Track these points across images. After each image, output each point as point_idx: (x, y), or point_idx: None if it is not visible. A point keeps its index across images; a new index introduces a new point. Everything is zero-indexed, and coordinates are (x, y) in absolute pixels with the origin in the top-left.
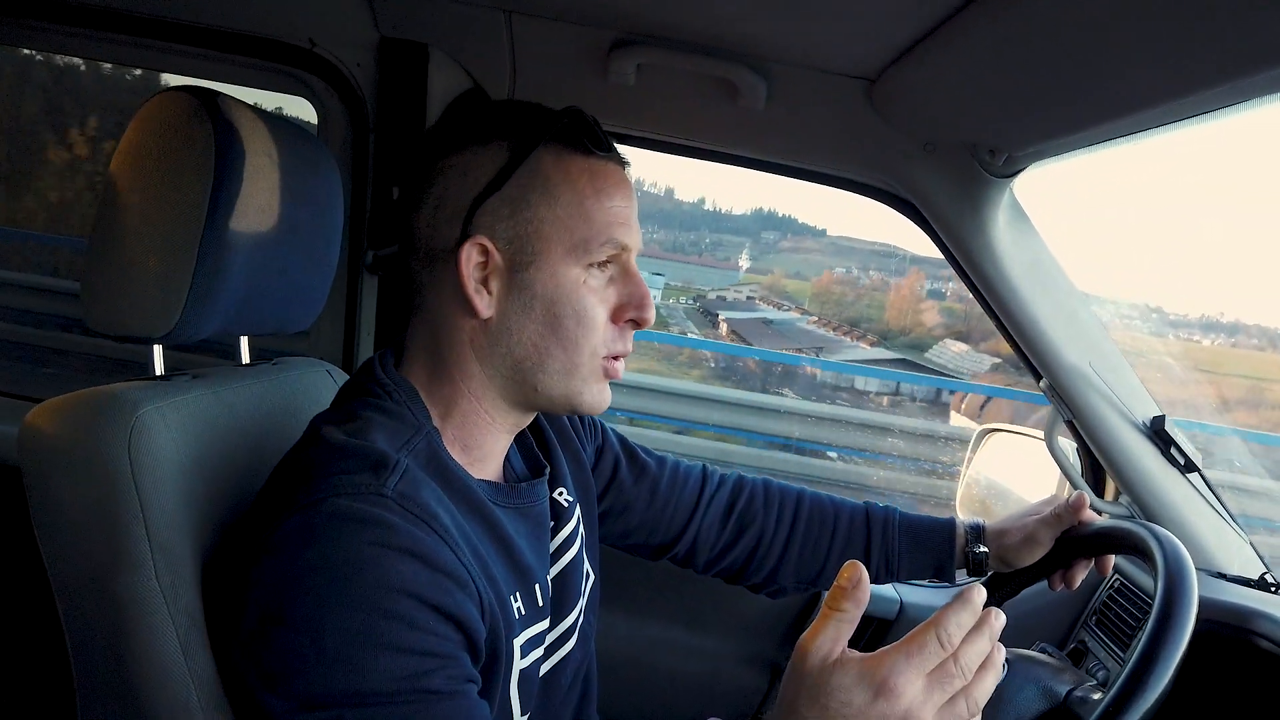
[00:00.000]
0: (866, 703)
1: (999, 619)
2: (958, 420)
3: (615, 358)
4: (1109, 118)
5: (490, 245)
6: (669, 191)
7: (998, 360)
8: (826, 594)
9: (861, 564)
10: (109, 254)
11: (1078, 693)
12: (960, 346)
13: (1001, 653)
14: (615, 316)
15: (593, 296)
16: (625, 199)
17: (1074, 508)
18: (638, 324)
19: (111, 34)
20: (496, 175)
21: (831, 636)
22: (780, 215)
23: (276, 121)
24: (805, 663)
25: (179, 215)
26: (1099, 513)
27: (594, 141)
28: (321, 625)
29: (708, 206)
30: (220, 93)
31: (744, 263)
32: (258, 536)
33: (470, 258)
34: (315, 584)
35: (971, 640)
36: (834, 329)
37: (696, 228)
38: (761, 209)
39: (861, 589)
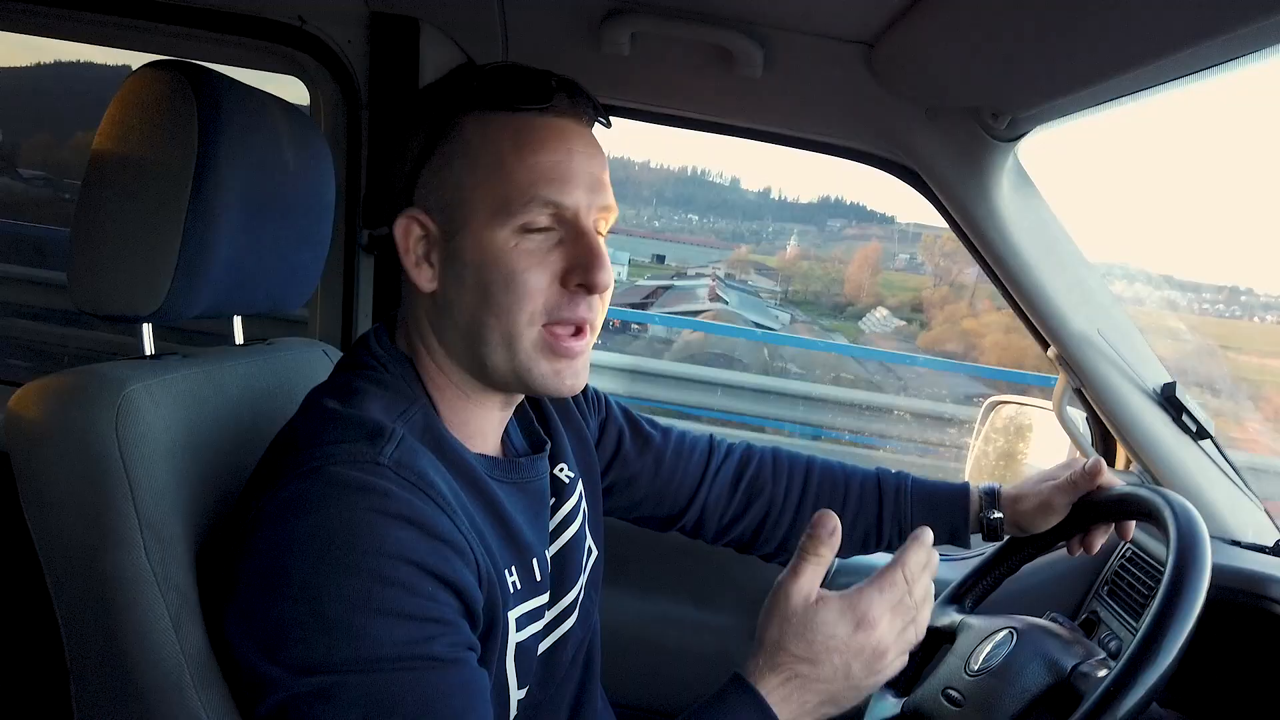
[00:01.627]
0: (849, 634)
1: (935, 555)
2: None
3: (566, 327)
4: (1113, 73)
5: (424, 217)
6: (734, 181)
7: (901, 323)
8: (800, 540)
9: (834, 512)
10: (94, 232)
11: (1083, 667)
12: (883, 312)
13: (932, 588)
14: (564, 280)
15: (525, 260)
16: (558, 152)
17: (1090, 473)
18: (588, 288)
19: (98, 14)
20: (424, 146)
21: (810, 579)
22: (848, 203)
23: (262, 97)
24: (789, 603)
25: (163, 192)
26: None
27: (521, 97)
28: (320, 592)
29: (773, 196)
30: (204, 67)
31: (792, 249)
32: (253, 506)
33: (408, 232)
34: (312, 551)
35: (922, 575)
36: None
37: (760, 216)
38: (829, 197)
39: (836, 536)
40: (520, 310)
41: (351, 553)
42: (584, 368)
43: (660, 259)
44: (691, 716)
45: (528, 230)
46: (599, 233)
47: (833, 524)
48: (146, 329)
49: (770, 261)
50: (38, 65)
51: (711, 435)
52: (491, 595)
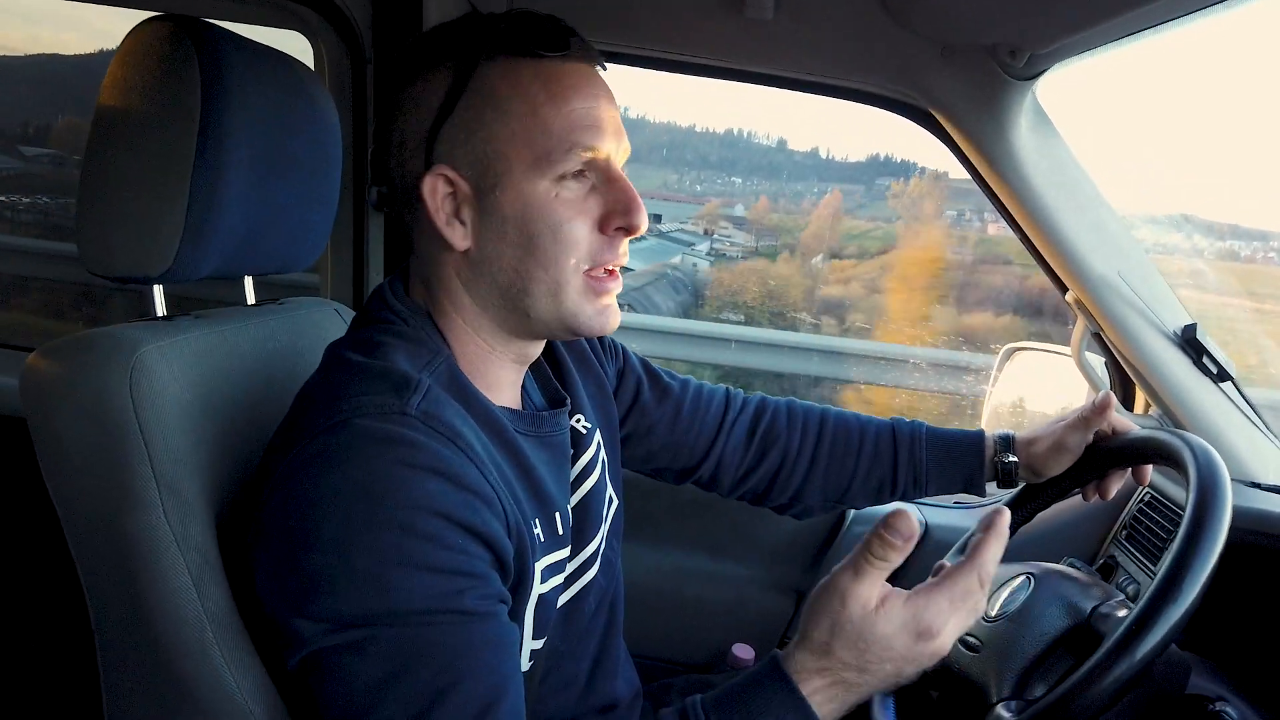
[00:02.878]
0: (908, 645)
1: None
2: None
3: (608, 271)
4: (1132, 5)
5: (453, 174)
6: (781, 142)
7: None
8: (867, 535)
9: (913, 516)
10: (100, 193)
11: (1103, 609)
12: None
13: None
14: (602, 226)
15: (567, 209)
16: (589, 98)
17: (1100, 408)
18: (628, 231)
19: None
20: (445, 100)
21: (871, 586)
22: (898, 161)
23: (265, 51)
24: (845, 608)
25: (168, 150)
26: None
27: (543, 43)
28: (350, 546)
29: (821, 155)
30: (204, 21)
31: (762, 201)
32: (279, 462)
33: (436, 190)
34: (342, 505)
35: (995, 563)
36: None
37: (805, 178)
38: (878, 155)
39: (911, 542)
40: (567, 259)
41: (381, 506)
42: (616, 305)
43: (657, 218)
44: (726, 698)
45: (564, 178)
46: None
47: (911, 529)
48: (158, 290)
49: (745, 214)
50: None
51: (728, 388)
52: (520, 545)
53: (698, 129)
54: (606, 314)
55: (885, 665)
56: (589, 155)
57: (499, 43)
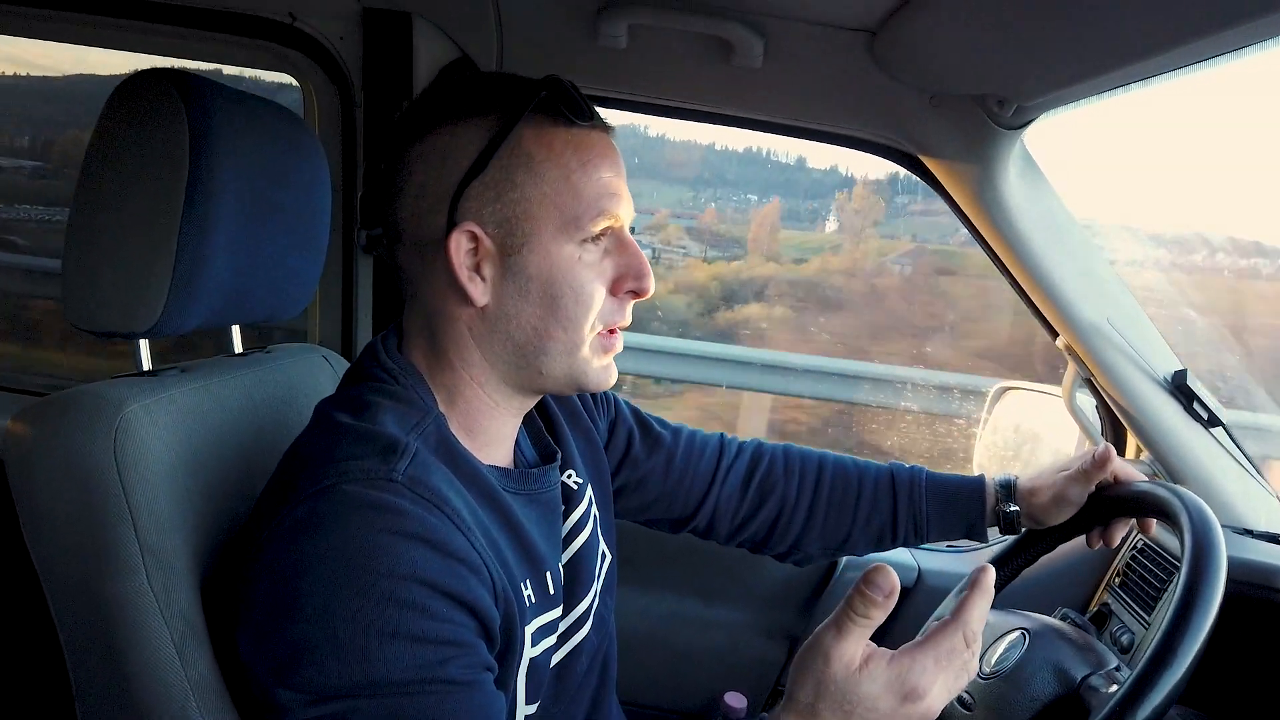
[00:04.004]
0: (893, 707)
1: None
2: None
3: (613, 332)
4: (1123, 62)
5: (479, 231)
6: (800, 160)
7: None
8: (849, 594)
9: (893, 570)
10: (87, 246)
11: (1092, 680)
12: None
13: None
14: (614, 289)
15: (589, 272)
16: (613, 168)
17: (1099, 463)
18: (637, 294)
19: (85, 15)
20: (478, 157)
21: (854, 643)
22: (916, 180)
23: (254, 101)
24: (829, 667)
25: (155, 203)
26: None
27: (576, 111)
28: (333, 615)
29: (841, 172)
30: (193, 73)
31: (709, 211)
32: (264, 526)
33: (460, 246)
34: (326, 573)
35: (981, 621)
36: None
37: (822, 195)
38: (898, 173)
39: (892, 599)
40: (586, 320)
41: (365, 574)
42: (614, 363)
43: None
44: None
45: (586, 242)
46: None
47: (891, 584)
48: (143, 345)
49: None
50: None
51: (722, 435)
52: (508, 611)
53: (717, 147)
54: (610, 371)
55: None
56: (610, 222)
57: (536, 105)
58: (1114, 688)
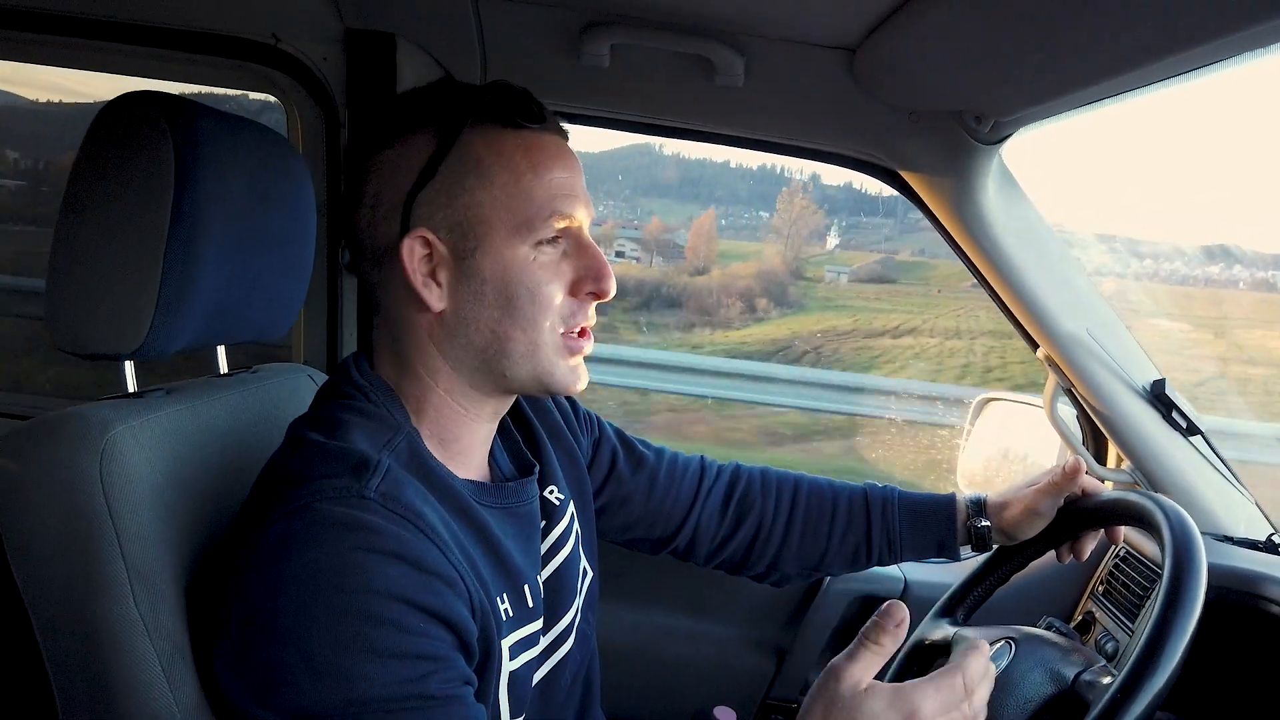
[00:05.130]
0: None
1: (992, 668)
2: None
3: (580, 334)
4: (1097, 79)
5: (431, 237)
6: (814, 177)
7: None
8: (865, 625)
9: (904, 605)
10: (71, 269)
11: (1086, 676)
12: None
13: (987, 695)
14: (574, 291)
15: (545, 273)
16: (566, 169)
17: (1069, 474)
18: (597, 296)
19: (68, 38)
20: (427, 164)
21: (864, 667)
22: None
23: (239, 123)
24: (840, 685)
25: (141, 225)
26: (1101, 480)
27: (524, 115)
28: (309, 635)
29: (856, 187)
30: (177, 96)
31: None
32: (240, 547)
33: (413, 252)
34: (300, 593)
35: (982, 683)
36: None
37: (838, 212)
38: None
39: (902, 629)
40: (544, 320)
41: (340, 593)
42: (584, 365)
43: None
44: None
45: (541, 244)
46: None
47: (901, 615)
48: (129, 366)
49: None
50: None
51: (702, 456)
52: (485, 625)
53: (731, 165)
54: (577, 372)
55: None
56: (565, 223)
57: (483, 111)
58: (1108, 679)
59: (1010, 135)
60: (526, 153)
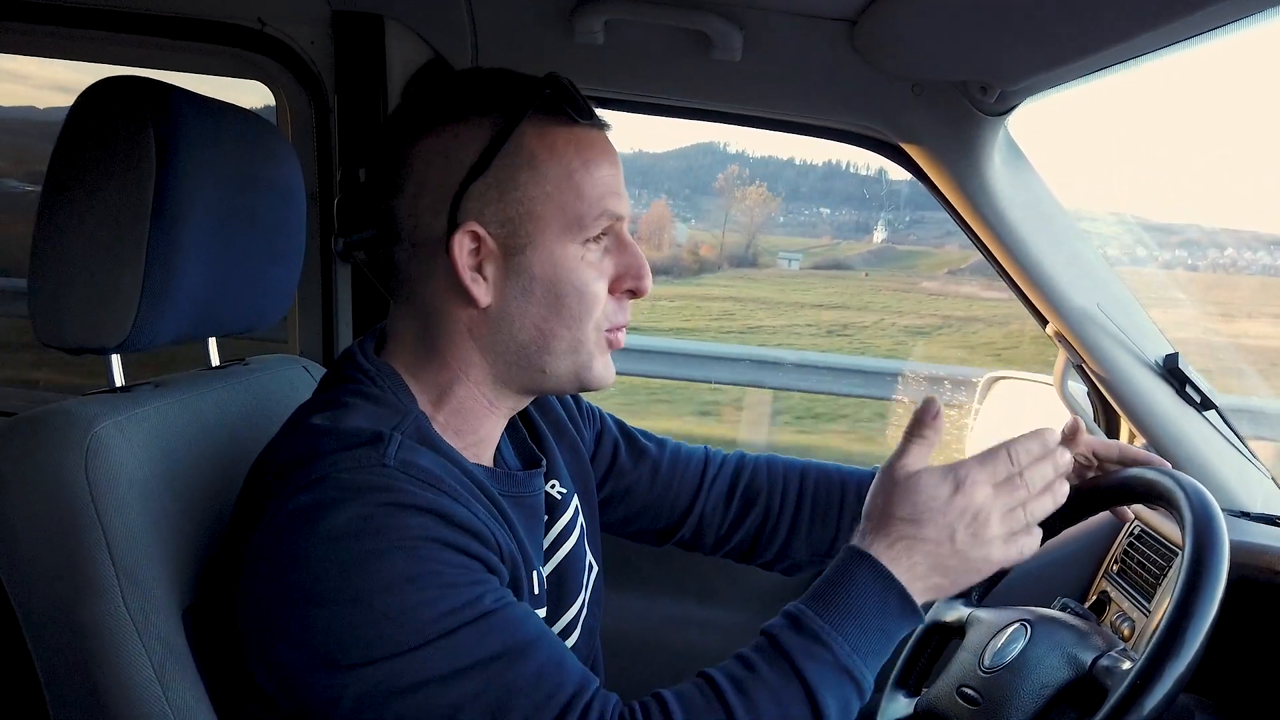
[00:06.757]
0: (948, 496)
1: (1064, 454)
2: None
3: (616, 329)
4: (1104, 44)
5: (482, 231)
6: (880, 172)
7: None
8: (908, 424)
9: (937, 398)
10: (53, 262)
11: (1104, 661)
12: None
13: (1065, 486)
14: (613, 288)
15: (591, 271)
16: (612, 166)
17: (1069, 436)
18: (635, 294)
19: (49, 27)
20: (480, 157)
21: (915, 456)
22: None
23: (221, 108)
24: (893, 474)
25: (122, 215)
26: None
27: (576, 109)
28: (356, 589)
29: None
30: (156, 81)
31: (878, 235)
32: (252, 531)
33: (463, 247)
34: (338, 552)
35: (1038, 464)
36: None
37: (900, 208)
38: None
39: (940, 419)
40: (589, 318)
41: (377, 540)
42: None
43: None
44: (816, 591)
45: (588, 241)
46: None
47: (936, 407)
48: (115, 360)
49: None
50: None
51: (706, 447)
52: (515, 574)
53: (796, 161)
54: (609, 369)
55: (936, 517)
56: (612, 221)
57: (538, 104)
58: (1127, 664)
59: (1016, 106)
60: (578, 149)
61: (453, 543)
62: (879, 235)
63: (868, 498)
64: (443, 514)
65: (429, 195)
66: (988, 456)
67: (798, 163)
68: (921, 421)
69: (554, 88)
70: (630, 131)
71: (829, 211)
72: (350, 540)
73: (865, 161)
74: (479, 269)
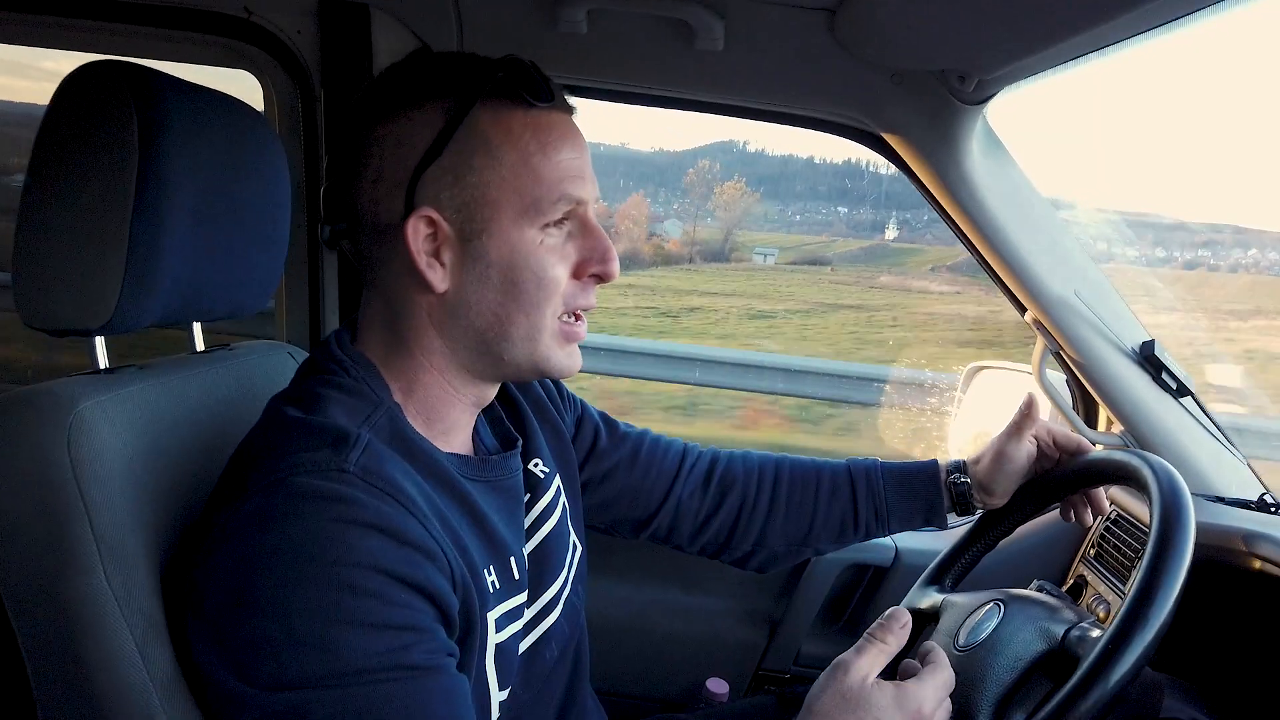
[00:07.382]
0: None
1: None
2: None
3: (577, 316)
4: (1080, 29)
5: (437, 216)
6: (887, 171)
7: None
8: (871, 627)
9: (908, 612)
10: (37, 244)
11: (1075, 631)
12: None
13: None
14: (577, 273)
15: (551, 256)
16: (575, 149)
17: (1024, 411)
18: (601, 278)
19: (31, 14)
20: (434, 142)
21: (871, 661)
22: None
23: (206, 94)
24: (847, 677)
25: (105, 198)
26: (1092, 442)
27: (534, 92)
28: (288, 607)
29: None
30: (140, 65)
31: (890, 233)
32: (216, 522)
33: (418, 231)
34: (279, 565)
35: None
36: None
37: (912, 206)
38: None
39: (906, 630)
40: (548, 305)
41: (320, 564)
42: (578, 349)
43: None
44: None
45: (548, 226)
46: None
47: (905, 619)
48: (99, 342)
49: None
50: None
51: (684, 441)
52: (467, 599)
53: (816, 160)
54: (574, 357)
55: None
56: (572, 205)
57: (493, 88)
58: (1097, 633)
59: (994, 95)
60: (536, 132)
61: (398, 572)
62: (890, 234)
63: (814, 686)
64: (394, 532)
65: (385, 181)
66: (944, 681)
67: (817, 162)
68: (886, 628)
69: (509, 70)
70: (650, 128)
71: (845, 210)
72: (294, 556)
73: (873, 160)
74: (436, 255)
